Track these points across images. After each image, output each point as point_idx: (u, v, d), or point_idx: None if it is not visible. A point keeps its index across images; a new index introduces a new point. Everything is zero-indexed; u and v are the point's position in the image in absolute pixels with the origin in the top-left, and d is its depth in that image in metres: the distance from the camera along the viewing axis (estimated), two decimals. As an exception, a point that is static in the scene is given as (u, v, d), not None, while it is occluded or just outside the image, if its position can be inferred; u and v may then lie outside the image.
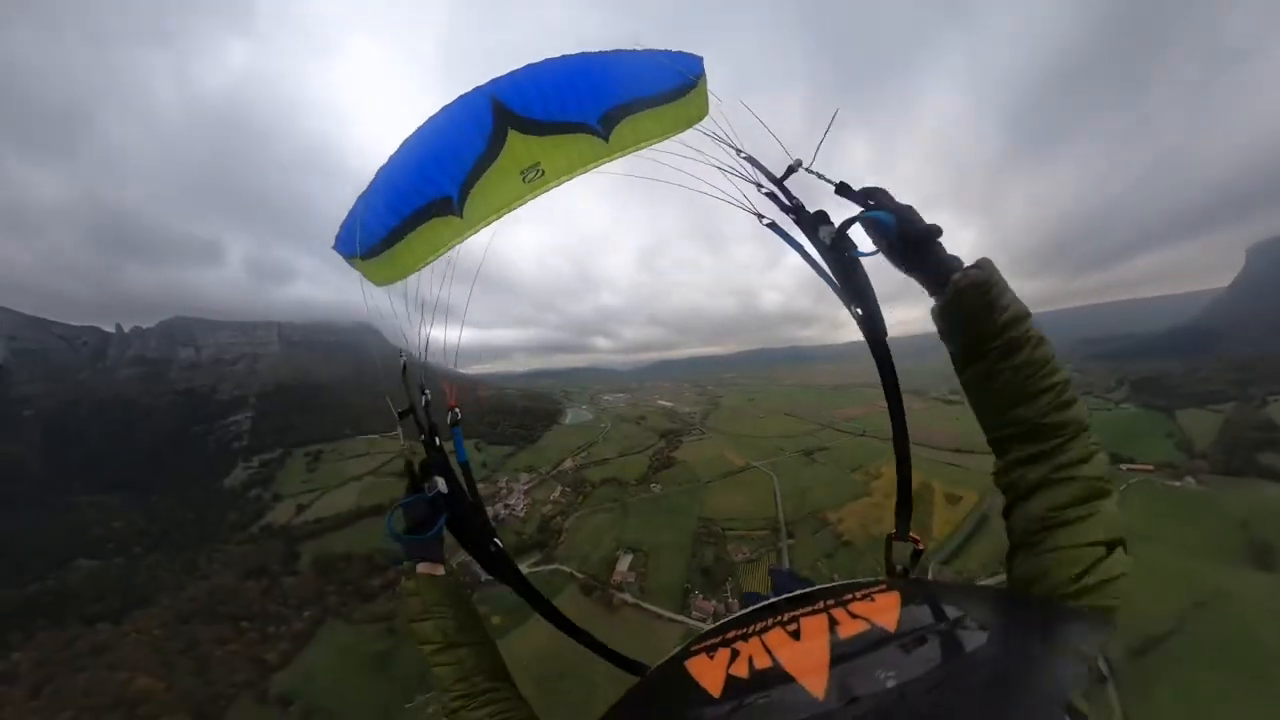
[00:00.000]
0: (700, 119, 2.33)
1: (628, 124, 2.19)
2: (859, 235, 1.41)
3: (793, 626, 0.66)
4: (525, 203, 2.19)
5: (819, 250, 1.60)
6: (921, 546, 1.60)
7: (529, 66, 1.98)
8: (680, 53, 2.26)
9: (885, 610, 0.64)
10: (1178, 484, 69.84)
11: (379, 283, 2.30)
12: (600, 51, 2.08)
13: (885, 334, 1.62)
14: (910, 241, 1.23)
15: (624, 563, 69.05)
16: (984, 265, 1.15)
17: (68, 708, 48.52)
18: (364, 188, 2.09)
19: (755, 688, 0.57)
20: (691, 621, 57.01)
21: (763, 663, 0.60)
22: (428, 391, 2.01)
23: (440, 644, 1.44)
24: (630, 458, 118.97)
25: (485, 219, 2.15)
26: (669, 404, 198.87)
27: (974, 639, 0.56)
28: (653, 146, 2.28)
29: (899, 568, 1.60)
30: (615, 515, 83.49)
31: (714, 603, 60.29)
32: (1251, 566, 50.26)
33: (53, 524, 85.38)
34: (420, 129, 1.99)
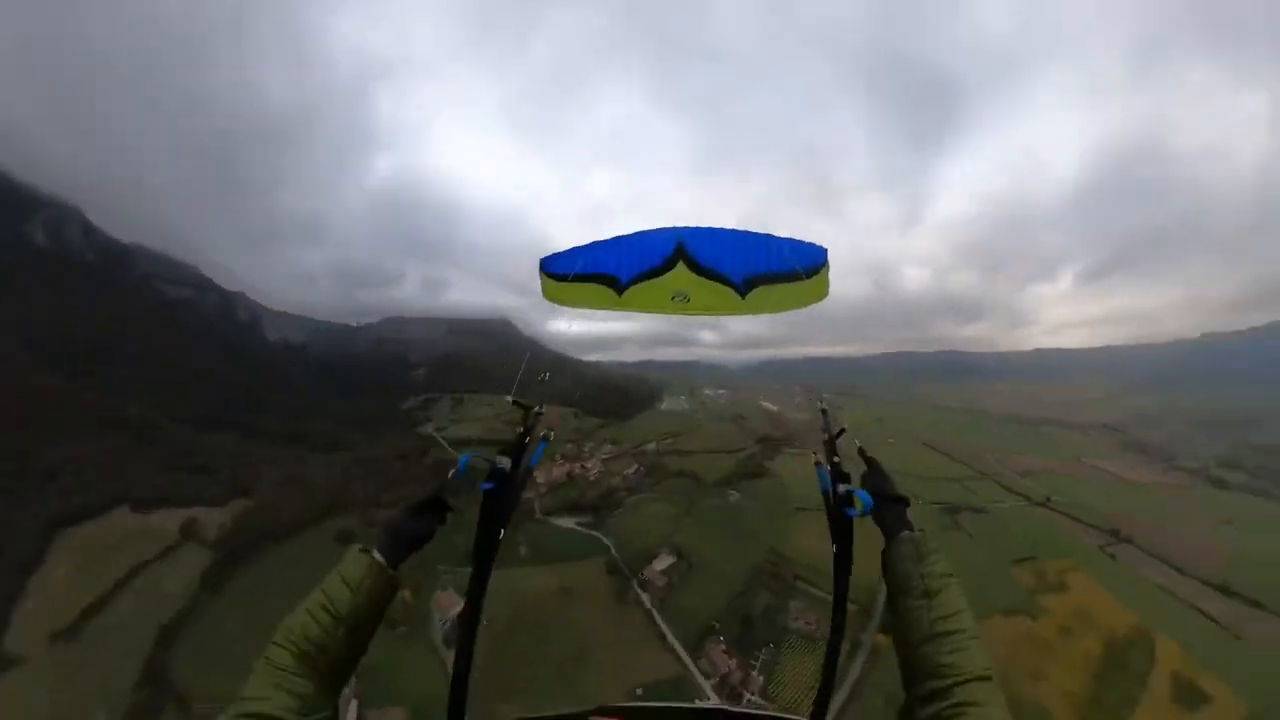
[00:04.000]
0: (820, 299, 3.10)
1: (763, 291, 3.02)
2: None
3: None
4: (663, 314, 3.18)
5: (829, 496, 2.27)
6: None
7: (711, 228, 3.02)
8: (813, 244, 3.04)
9: None
10: None
11: (547, 297, 3.30)
12: (758, 232, 3.00)
13: (849, 568, 2.20)
14: (880, 508, 2.01)
15: (662, 561, 61.17)
16: (920, 535, 1.84)
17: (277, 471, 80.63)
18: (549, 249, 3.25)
19: None
20: (694, 669, 45.18)
21: None
22: (543, 409, 2.64)
23: (326, 622, 1.48)
24: (716, 455, 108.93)
25: (631, 308, 3.19)
26: (773, 407, 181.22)
27: None
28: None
29: None
30: (678, 511, 76.05)
31: (733, 663, 45.84)
32: None
33: (317, 403, 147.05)
34: (635, 234, 3.09)
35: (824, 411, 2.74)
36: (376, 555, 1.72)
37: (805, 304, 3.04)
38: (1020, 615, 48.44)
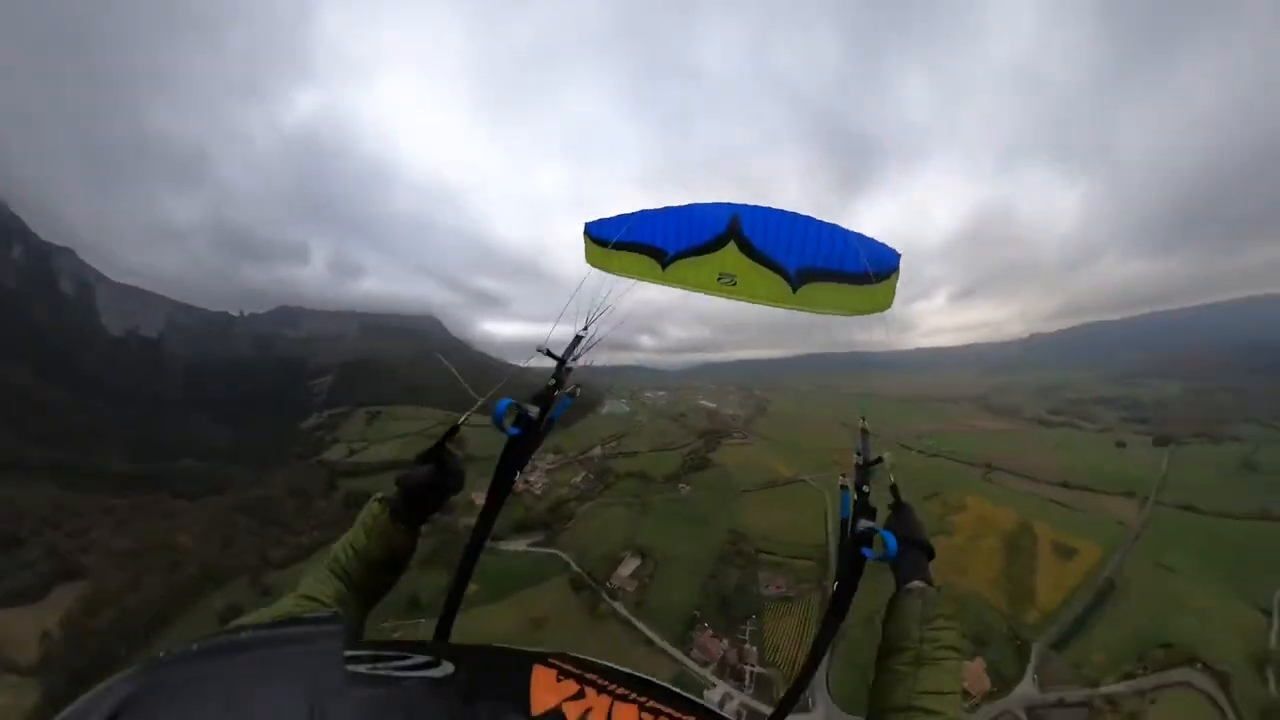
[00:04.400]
0: (881, 309, 2.67)
1: (816, 287, 2.63)
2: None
3: (649, 717, 0.62)
4: (706, 293, 2.80)
5: (849, 529, 2.02)
6: None
7: (769, 208, 2.65)
8: (884, 245, 2.60)
9: None
10: None
11: (589, 262, 3.06)
12: (825, 221, 2.57)
13: (846, 611, 2.00)
14: (902, 553, 1.76)
15: (627, 566, 59.77)
16: (934, 592, 1.62)
17: (124, 537, 61.32)
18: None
19: None
20: (689, 663, 45.86)
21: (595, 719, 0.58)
22: (575, 363, 2.46)
23: (349, 553, 1.64)
24: (662, 454, 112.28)
25: (672, 283, 2.87)
26: (711, 404, 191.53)
27: None
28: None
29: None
30: (633, 512, 75.81)
31: (724, 644, 47.21)
32: None
33: (179, 431, 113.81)
34: (687, 206, 2.78)
35: (864, 431, 2.49)
36: (389, 507, 1.74)
37: (864, 310, 2.68)
38: (939, 535, 61.33)
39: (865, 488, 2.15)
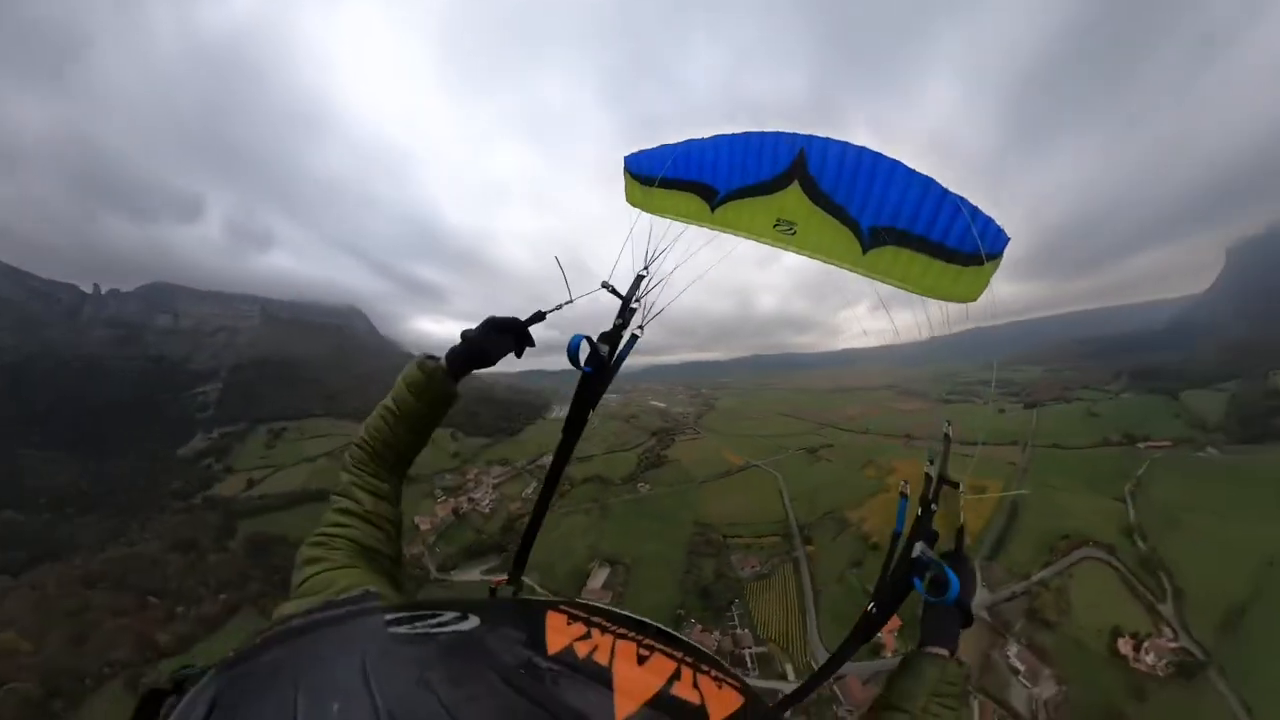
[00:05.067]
0: (967, 300, 2.22)
1: (893, 252, 2.15)
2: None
3: (645, 653, 0.72)
4: (759, 243, 2.40)
5: (901, 547, 1.96)
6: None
7: (846, 143, 2.15)
8: (991, 221, 2.06)
9: (722, 702, 0.68)
10: (1201, 454, 72.63)
11: (630, 201, 2.76)
12: (917, 171, 2.05)
13: (872, 637, 1.96)
14: (944, 610, 1.68)
15: (598, 577, 57.74)
16: (954, 666, 1.59)
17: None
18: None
19: (580, 670, 0.64)
20: None
21: (601, 659, 0.66)
22: (639, 301, 2.29)
23: (390, 422, 1.70)
24: (617, 455, 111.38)
25: (723, 228, 2.46)
26: (661, 404, 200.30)
27: None
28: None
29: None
30: (594, 518, 74.14)
31: (715, 635, 47.48)
32: (1303, 519, 50.96)
33: (25, 466, 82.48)
34: (745, 135, 2.33)
35: (947, 438, 2.26)
36: (441, 362, 1.78)
37: (947, 296, 2.20)
38: (879, 495, 74.20)
39: (934, 505, 1.99)
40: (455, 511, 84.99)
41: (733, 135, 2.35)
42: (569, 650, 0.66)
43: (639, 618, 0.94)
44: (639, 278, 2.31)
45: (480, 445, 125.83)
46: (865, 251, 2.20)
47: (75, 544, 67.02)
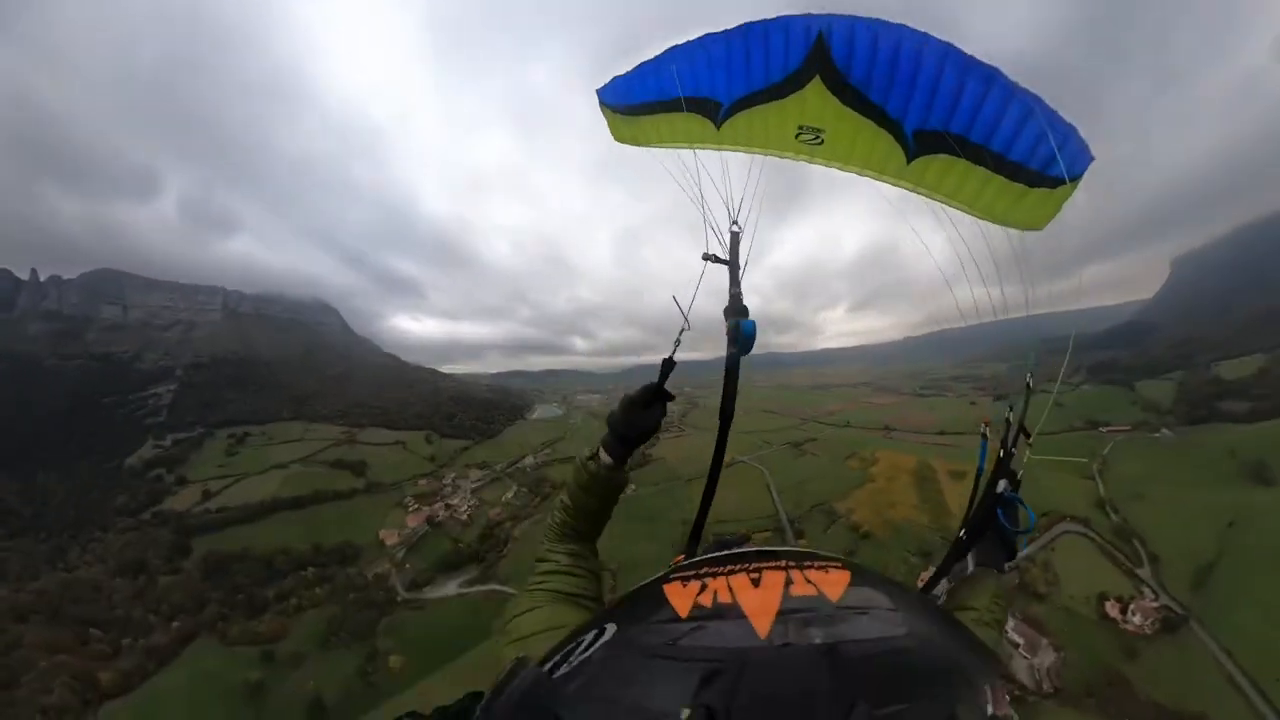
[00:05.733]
0: (1032, 227, 1.92)
1: (943, 162, 1.79)
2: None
3: (755, 575, 0.79)
4: (784, 158, 2.01)
5: (986, 483, 2.08)
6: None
7: (879, 22, 1.68)
8: (1074, 132, 1.69)
9: (834, 584, 0.76)
10: (1156, 435, 79.63)
11: (618, 139, 2.43)
12: (977, 60, 1.65)
13: (968, 550, 2.19)
14: (998, 544, 2.10)
15: None
16: (1006, 578, 2.04)
17: None
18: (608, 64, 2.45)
19: (714, 616, 0.71)
20: None
21: (724, 598, 0.74)
22: (742, 273, 2.11)
23: (570, 513, 1.89)
24: None
25: (736, 146, 2.02)
26: None
27: (897, 628, 0.69)
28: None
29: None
30: None
31: None
32: (1254, 484, 56.66)
33: None
34: (740, 27, 1.85)
35: (1029, 388, 2.24)
36: (604, 458, 1.83)
37: (1007, 221, 1.86)
38: (864, 485, 77.44)
39: (1013, 449, 2.10)
40: (430, 520, 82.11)
41: (728, 31, 1.83)
42: (697, 606, 0.73)
43: (735, 550, 1.03)
44: (734, 236, 1.97)
45: (458, 448, 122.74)
46: (910, 160, 1.81)
47: (3, 572, 61.16)
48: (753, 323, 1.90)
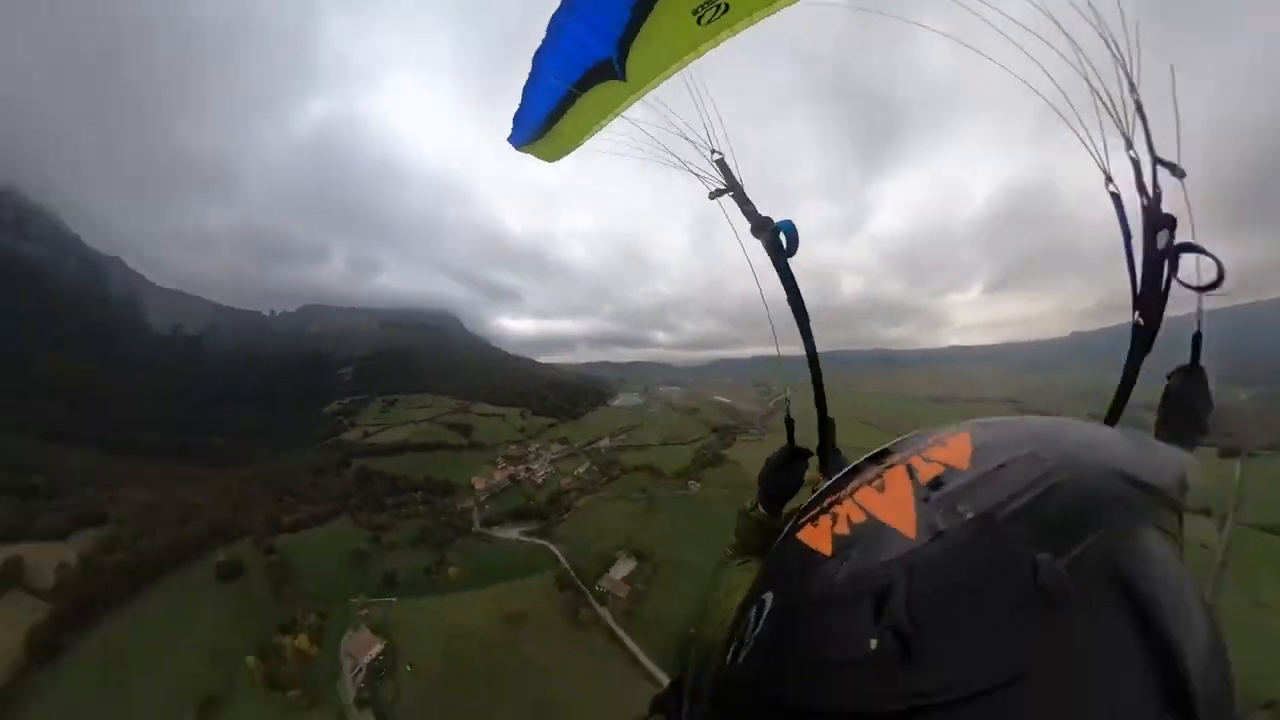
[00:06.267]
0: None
1: None
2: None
3: (877, 481, 0.74)
4: (702, 54, 1.81)
5: (1146, 246, 1.31)
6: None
7: None
8: None
9: (959, 452, 0.70)
10: None
11: (549, 160, 2.32)
12: None
13: (1153, 338, 1.38)
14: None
15: (620, 568, 53.34)
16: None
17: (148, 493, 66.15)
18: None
19: (858, 540, 0.66)
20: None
21: (858, 518, 0.69)
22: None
23: (744, 546, 1.94)
24: (673, 448, 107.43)
25: (651, 78, 1.85)
26: (727, 400, 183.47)
27: (1041, 467, 0.61)
28: None
29: None
30: (638, 508, 70.21)
31: None
32: None
33: (214, 414, 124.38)
34: None
35: (1138, 104, 1.37)
36: (760, 511, 1.92)
37: None
38: None
39: (1159, 186, 1.31)
40: (512, 478, 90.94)
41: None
42: (837, 539, 0.69)
43: (846, 465, 0.94)
44: (720, 163, 1.84)
45: (544, 424, 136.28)
46: None
47: (252, 457, 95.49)
48: (790, 221, 1.66)
